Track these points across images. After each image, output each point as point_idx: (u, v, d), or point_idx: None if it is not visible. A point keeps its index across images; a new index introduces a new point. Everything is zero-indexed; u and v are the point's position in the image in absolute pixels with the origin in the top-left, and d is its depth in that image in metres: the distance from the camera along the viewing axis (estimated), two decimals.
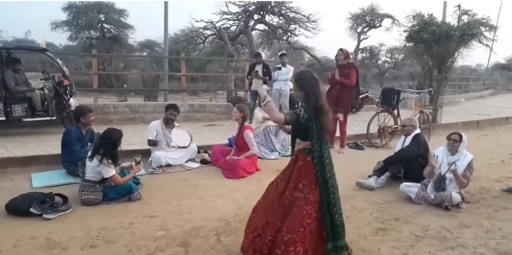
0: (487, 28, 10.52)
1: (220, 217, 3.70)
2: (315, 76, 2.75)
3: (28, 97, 6.95)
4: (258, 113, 6.61)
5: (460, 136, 4.28)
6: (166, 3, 13.01)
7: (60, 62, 7.52)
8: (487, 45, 11.23)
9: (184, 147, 5.68)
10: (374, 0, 26.30)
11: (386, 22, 23.13)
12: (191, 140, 5.79)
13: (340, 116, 6.64)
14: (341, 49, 6.63)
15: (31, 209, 3.58)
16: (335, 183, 2.72)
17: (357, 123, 9.20)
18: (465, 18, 10.28)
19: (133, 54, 24.78)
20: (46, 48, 7.70)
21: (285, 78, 8.58)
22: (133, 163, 4.38)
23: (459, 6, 10.29)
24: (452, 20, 10.47)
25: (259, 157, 5.91)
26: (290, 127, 2.91)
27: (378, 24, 23.45)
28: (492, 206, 4.21)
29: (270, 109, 2.71)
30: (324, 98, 2.72)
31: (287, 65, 8.74)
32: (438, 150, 4.48)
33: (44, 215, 3.56)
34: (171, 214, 3.75)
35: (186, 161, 5.68)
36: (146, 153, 5.68)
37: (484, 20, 10.26)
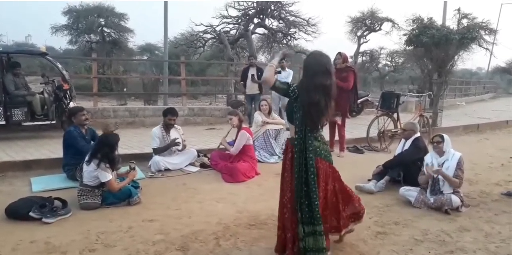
0: (486, 32, 10.54)
1: (219, 221, 3.70)
2: (322, 68, 2.68)
3: (28, 101, 6.96)
4: (258, 116, 6.61)
5: (442, 137, 4.34)
6: (166, 7, 13.05)
7: (60, 66, 7.53)
8: (487, 49, 11.25)
9: (178, 150, 5.69)
10: (374, 3, 26.37)
11: (386, 26, 23.19)
12: (183, 144, 5.77)
13: (338, 120, 6.65)
14: (339, 53, 6.66)
15: (31, 213, 3.58)
16: (313, 171, 2.68)
17: (357, 127, 9.20)
18: (464, 21, 10.31)
19: (133, 58, 24.81)
20: (46, 52, 7.73)
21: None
22: (128, 170, 4.37)
23: (458, 9, 10.34)
24: (451, 23, 10.53)
25: (259, 161, 5.91)
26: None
27: (378, 28, 23.49)
28: (491, 210, 4.21)
29: (269, 69, 2.72)
30: (317, 94, 2.65)
31: (287, 69, 8.74)
32: (427, 156, 4.54)
33: (44, 219, 3.56)
34: (170, 218, 3.75)
35: (186, 166, 5.68)
36: (145, 158, 5.69)
37: (483, 24, 10.28)
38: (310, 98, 2.64)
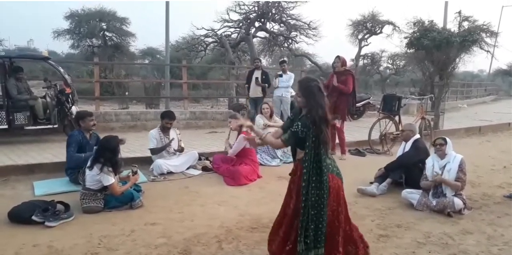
0: (487, 34, 10.56)
1: (221, 224, 3.70)
2: (321, 87, 2.71)
3: (30, 105, 6.99)
4: (259, 120, 6.62)
5: (444, 139, 4.37)
6: (167, 8, 13.07)
7: (62, 70, 7.57)
8: (488, 51, 11.26)
9: (176, 151, 5.71)
10: (374, 6, 26.35)
11: (387, 29, 23.18)
12: (180, 143, 5.80)
13: (337, 123, 6.67)
14: (338, 57, 6.69)
15: (33, 217, 3.59)
16: (324, 195, 2.63)
17: (358, 130, 9.20)
18: (465, 24, 10.30)
19: (134, 62, 24.88)
20: (48, 57, 7.77)
21: (286, 85, 8.58)
22: (130, 173, 4.38)
23: (459, 12, 10.34)
24: (452, 26, 10.52)
25: (261, 164, 5.91)
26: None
27: (379, 31, 23.49)
28: (494, 212, 4.20)
29: (269, 141, 2.84)
30: (326, 110, 2.67)
31: (288, 72, 8.76)
32: (428, 159, 4.55)
33: (46, 223, 3.57)
34: (173, 222, 3.75)
35: (188, 168, 5.68)
36: (147, 161, 5.71)
37: (484, 26, 10.29)
38: (326, 121, 2.65)
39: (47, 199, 4.00)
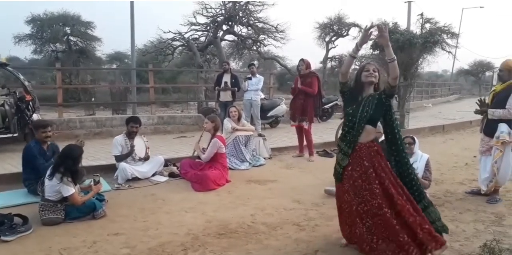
0: (449, 36, 10.92)
1: (188, 232, 3.62)
2: None
3: None
4: (227, 123, 6.58)
5: (413, 138, 4.46)
6: (132, 12, 12.84)
7: (21, 77, 7.29)
8: (449, 52, 11.65)
9: (142, 159, 5.60)
10: (341, 9, 26.77)
11: (353, 31, 23.59)
12: (147, 151, 5.71)
13: (305, 125, 6.71)
14: (302, 60, 6.76)
15: None
16: None
17: (326, 131, 9.30)
18: (427, 26, 10.63)
19: (100, 66, 24.32)
20: (6, 63, 7.45)
21: (255, 88, 8.58)
22: (92, 183, 4.24)
23: (421, 14, 10.66)
24: (415, 28, 10.83)
25: (230, 168, 5.86)
26: None
27: (345, 33, 23.87)
28: (456, 208, 4.30)
29: None
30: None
31: (257, 75, 8.75)
32: None
33: (2, 237, 3.40)
34: (137, 231, 3.65)
35: (153, 175, 5.55)
36: (112, 169, 5.55)
37: (445, 28, 10.64)
38: None
39: (4, 212, 3.81)
